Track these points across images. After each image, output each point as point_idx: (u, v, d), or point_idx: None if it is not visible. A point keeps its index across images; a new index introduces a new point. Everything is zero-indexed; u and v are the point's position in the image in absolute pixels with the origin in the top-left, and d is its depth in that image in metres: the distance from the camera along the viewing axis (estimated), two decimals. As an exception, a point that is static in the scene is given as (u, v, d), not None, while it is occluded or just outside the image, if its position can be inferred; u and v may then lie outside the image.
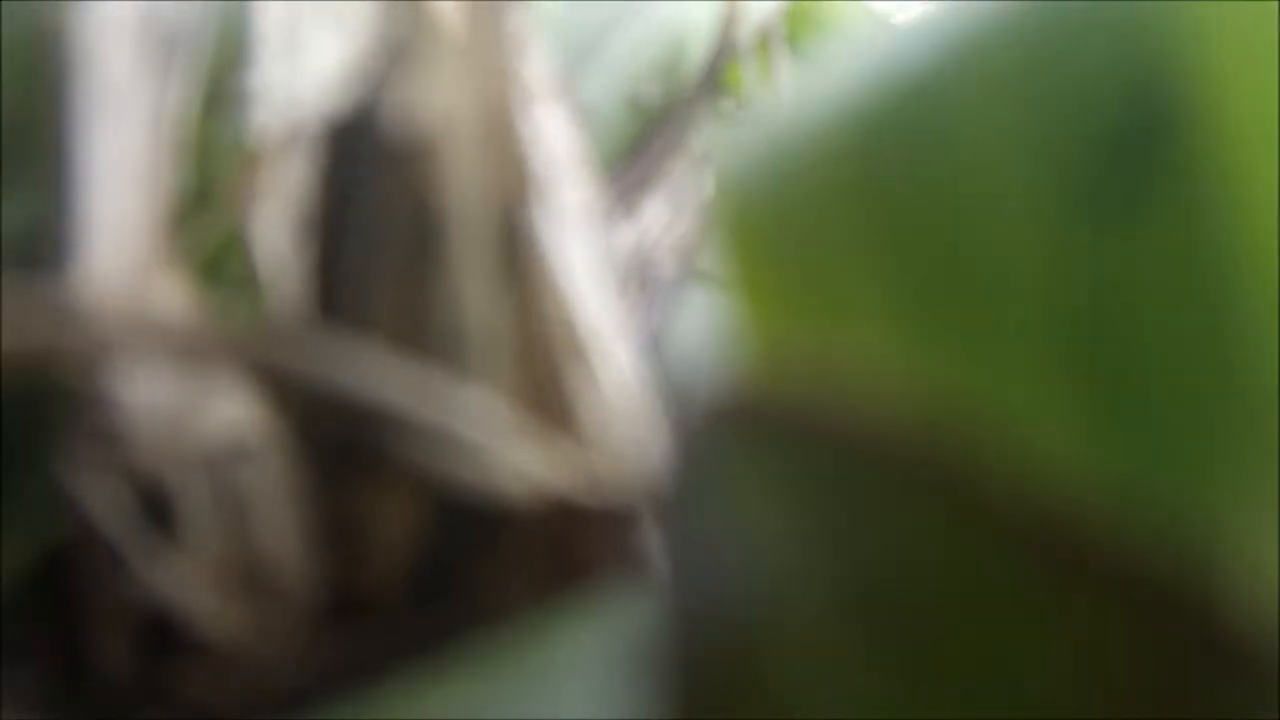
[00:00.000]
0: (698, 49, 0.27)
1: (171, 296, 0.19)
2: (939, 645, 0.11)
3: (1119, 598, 0.11)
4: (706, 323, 0.26)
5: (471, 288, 0.16)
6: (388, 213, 0.17)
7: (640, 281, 0.24)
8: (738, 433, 0.12)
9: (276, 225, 0.19)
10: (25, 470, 0.19)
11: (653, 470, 0.17)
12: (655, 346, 0.24)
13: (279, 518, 0.17)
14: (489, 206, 0.16)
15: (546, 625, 0.15)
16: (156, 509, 0.18)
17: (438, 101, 0.16)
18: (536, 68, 0.17)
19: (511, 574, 0.16)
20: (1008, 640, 0.11)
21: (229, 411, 0.18)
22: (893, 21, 0.30)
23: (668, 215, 0.25)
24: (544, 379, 0.16)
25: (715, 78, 0.26)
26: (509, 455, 0.16)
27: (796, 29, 0.30)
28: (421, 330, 0.16)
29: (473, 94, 0.16)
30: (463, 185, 0.16)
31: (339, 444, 0.17)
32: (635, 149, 0.25)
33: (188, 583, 0.17)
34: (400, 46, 0.19)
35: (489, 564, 0.16)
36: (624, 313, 0.19)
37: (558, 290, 0.16)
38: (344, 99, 0.19)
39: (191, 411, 0.18)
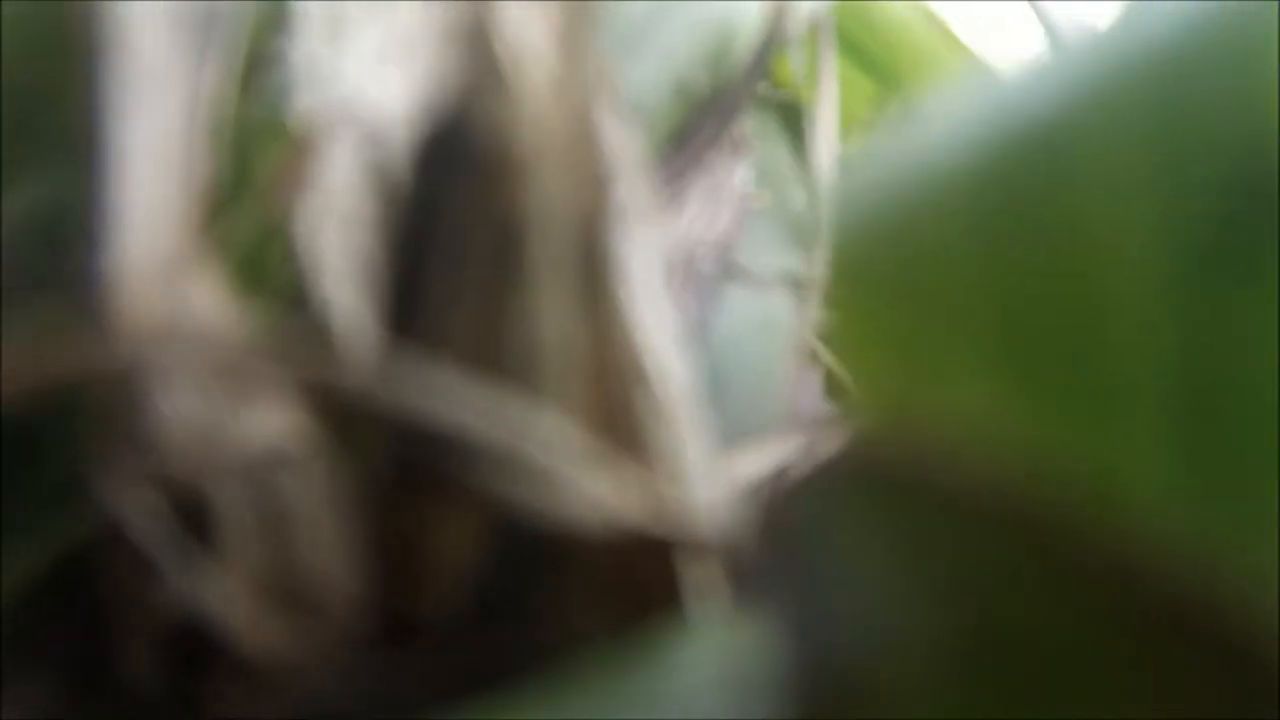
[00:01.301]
0: (746, 39, 0.26)
1: (207, 293, 0.18)
2: (1044, 698, 0.11)
3: (1215, 657, 0.11)
4: (746, 319, 0.26)
5: (548, 308, 0.15)
6: (465, 226, 0.16)
7: (683, 276, 0.24)
8: (850, 488, 0.12)
9: (320, 220, 0.18)
10: (58, 476, 0.18)
11: (719, 499, 0.16)
12: (698, 344, 0.24)
13: (323, 532, 0.17)
14: (568, 224, 0.16)
15: (612, 655, 0.15)
16: (194, 519, 0.17)
17: (515, 110, 0.16)
18: (604, 73, 0.17)
19: (576, 601, 0.16)
20: (1107, 693, 0.11)
21: (270, 420, 0.17)
22: (966, 39, 0.30)
23: (711, 208, 0.25)
24: (614, 403, 0.16)
25: (763, 69, 0.25)
26: (577, 480, 0.15)
27: (846, 22, 0.29)
28: (494, 349, 0.16)
29: (552, 105, 0.16)
30: (543, 202, 0.15)
31: (396, 460, 0.16)
32: (680, 139, 0.25)
33: (225, 595, 0.17)
34: (457, 46, 0.18)
35: (552, 590, 0.16)
36: (679, 321, 0.18)
37: (631, 315, 0.16)
38: (399, 96, 0.18)
39: (231, 419, 0.17)
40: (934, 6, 0.30)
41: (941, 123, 0.12)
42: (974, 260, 0.12)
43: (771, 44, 0.25)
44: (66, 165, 0.19)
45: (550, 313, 0.16)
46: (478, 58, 0.17)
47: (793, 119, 0.28)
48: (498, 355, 0.16)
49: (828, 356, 0.27)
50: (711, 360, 0.24)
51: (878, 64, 0.30)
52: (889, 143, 0.13)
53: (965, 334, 0.12)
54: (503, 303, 0.16)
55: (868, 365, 0.12)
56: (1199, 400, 0.11)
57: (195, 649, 0.17)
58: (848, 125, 0.28)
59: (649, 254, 0.17)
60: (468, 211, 0.16)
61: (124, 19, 0.19)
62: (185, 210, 0.18)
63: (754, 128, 0.27)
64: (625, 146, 0.17)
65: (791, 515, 0.12)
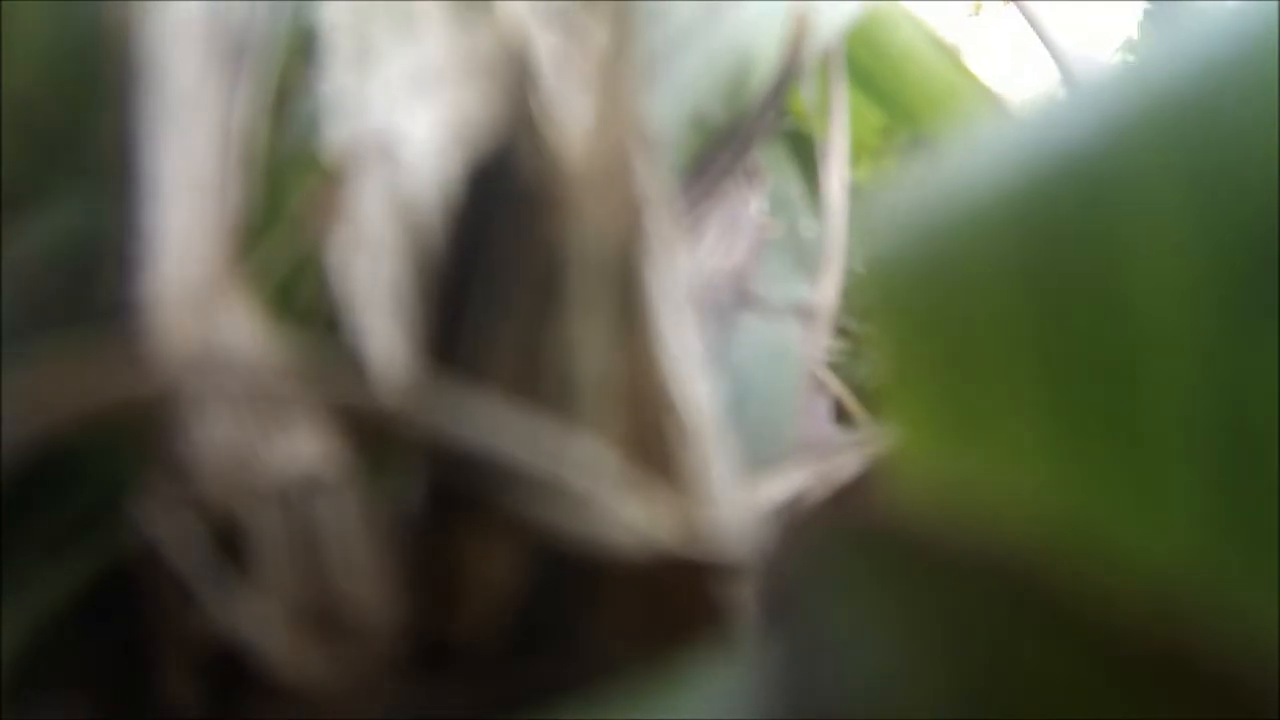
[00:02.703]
0: (762, 72, 0.26)
1: (241, 320, 0.18)
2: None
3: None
4: (760, 346, 0.26)
5: (585, 336, 0.16)
6: (505, 256, 0.16)
7: (701, 305, 0.24)
8: (865, 548, 0.11)
9: (352, 250, 0.19)
10: (95, 501, 0.18)
11: (749, 524, 0.16)
12: (715, 371, 0.24)
13: (359, 557, 0.17)
14: (603, 255, 0.16)
15: (648, 681, 0.15)
16: (230, 544, 0.17)
17: (552, 143, 0.16)
18: (638, 107, 0.17)
19: (610, 623, 0.16)
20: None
21: (305, 445, 0.17)
22: (963, 52, 0.30)
23: (727, 237, 0.25)
24: (647, 429, 0.16)
25: (779, 101, 0.26)
26: (611, 504, 0.15)
27: (856, 51, 0.30)
28: (532, 376, 0.16)
29: (588, 138, 0.16)
30: (580, 233, 0.16)
31: (432, 486, 0.16)
32: (697, 170, 0.25)
33: (261, 620, 0.17)
34: (487, 77, 0.18)
35: (590, 615, 0.16)
36: (703, 349, 0.18)
37: (662, 344, 0.16)
38: (428, 127, 0.18)
39: (266, 445, 0.17)
40: (942, 35, 0.30)
41: (971, 161, 0.12)
42: (1017, 302, 0.11)
43: (787, 77, 0.26)
44: (100, 192, 0.19)
45: (587, 341, 0.16)
46: (512, 90, 0.17)
47: (804, 148, 0.28)
48: (535, 382, 0.16)
49: (837, 384, 0.28)
50: (726, 387, 0.24)
51: (887, 93, 0.30)
52: (919, 181, 0.13)
53: (1006, 378, 0.11)
54: (541, 331, 0.16)
55: (907, 413, 0.12)
56: (1237, 448, 0.11)
57: (231, 673, 0.17)
58: (858, 155, 0.28)
59: (676, 284, 0.17)
60: (508, 242, 0.16)
61: (157, 47, 0.20)
62: (219, 238, 0.19)
63: (767, 157, 0.27)
64: (653, 179, 0.17)
65: (798, 563, 0.12)
